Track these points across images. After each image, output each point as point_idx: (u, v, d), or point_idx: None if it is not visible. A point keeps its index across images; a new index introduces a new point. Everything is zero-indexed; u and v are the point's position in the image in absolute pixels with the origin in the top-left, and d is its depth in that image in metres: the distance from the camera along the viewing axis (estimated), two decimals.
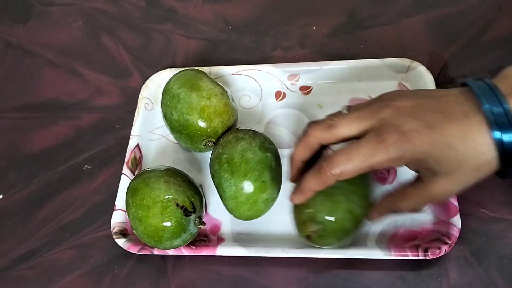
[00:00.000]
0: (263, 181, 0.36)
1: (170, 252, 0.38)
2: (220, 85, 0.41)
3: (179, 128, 0.40)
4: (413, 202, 0.30)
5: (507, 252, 0.36)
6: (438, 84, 0.43)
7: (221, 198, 0.37)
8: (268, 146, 0.37)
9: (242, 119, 0.45)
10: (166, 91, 0.41)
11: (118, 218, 0.41)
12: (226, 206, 0.37)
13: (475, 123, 0.25)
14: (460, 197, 0.38)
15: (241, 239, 0.39)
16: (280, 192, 0.41)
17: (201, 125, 0.39)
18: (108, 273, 0.40)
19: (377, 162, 0.27)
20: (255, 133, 0.38)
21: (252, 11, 0.55)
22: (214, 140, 0.40)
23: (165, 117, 0.41)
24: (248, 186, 0.35)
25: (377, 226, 0.38)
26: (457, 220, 0.35)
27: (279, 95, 0.47)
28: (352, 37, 0.50)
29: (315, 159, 0.32)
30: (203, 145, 0.40)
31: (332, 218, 0.32)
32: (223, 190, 0.36)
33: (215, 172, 0.37)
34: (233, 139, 0.38)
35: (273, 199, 0.37)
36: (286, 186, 0.42)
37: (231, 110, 0.40)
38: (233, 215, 0.37)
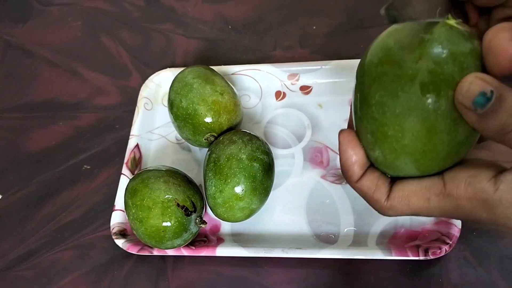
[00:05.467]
0: (242, 190, 0.35)
1: (170, 252, 0.38)
2: (232, 87, 0.42)
3: (186, 117, 0.40)
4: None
5: (508, 252, 0.36)
6: None
7: (205, 194, 0.38)
8: (258, 155, 0.37)
9: (242, 119, 0.45)
10: (178, 79, 0.41)
11: (117, 218, 0.40)
12: (207, 203, 0.38)
13: None
14: None
15: (240, 239, 0.39)
16: (280, 192, 0.41)
17: (208, 118, 0.39)
18: (107, 274, 0.40)
19: None
20: (251, 138, 0.38)
21: (252, 11, 0.55)
22: (216, 135, 0.40)
23: (172, 103, 0.41)
24: (226, 191, 0.36)
25: (377, 226, 0.38)
26: (457, 220, 0.35)
27: (279, 95, 0.47)
28: (352, 37, 0.50)
29: None
30: (205, 139, 0.40)
31: None
32: (205, 188, 0.37)
33: (204, 168, 0.38)
34: (226, 140, 0.38)
35: (252, 209, 0.37)
36: (280, 194, 0.41)
37: (239, 111, 0.41)
38: (213, 213, 0.38)
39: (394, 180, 0.24)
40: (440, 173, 0.23)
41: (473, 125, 0.20)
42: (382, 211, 0.24)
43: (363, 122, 0.23)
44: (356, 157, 0.24)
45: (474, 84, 0.19)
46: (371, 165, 0.25)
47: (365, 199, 0.25)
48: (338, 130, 0.25)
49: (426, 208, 0.23)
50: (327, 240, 0.38)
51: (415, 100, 0.20)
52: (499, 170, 0.21)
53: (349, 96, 0.45)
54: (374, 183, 0.24)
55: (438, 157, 0.22)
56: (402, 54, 0.21)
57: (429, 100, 0.20)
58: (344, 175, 0.25)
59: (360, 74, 0.23)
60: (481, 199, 0.21)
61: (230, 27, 0.55)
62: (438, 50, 0.20)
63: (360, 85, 0.23)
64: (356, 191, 0.25)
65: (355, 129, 0.25)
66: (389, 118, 0.21)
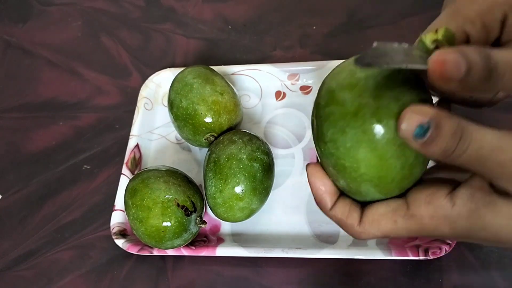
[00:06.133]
0: (242, 190, 0.35)
1: (170, 252, 0.38)
2: (232, 87, 0.42)
3: (186, 117, 0.40)
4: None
5: (508, 252, 0.36)
6: None
7: (205, 194, 0.38)
8: (258, 155, 0.37)
9: (242, 119, 0.45)
10: (178, 79, 0.41)
11: (117, 218, 0.40)
12: (207, 203, 0.38)
13: None
14: None
15: (241, 239, 0.39)
16: (280, 192, 0.41)
17: (208, 118, 0.39)
18: (107, 274, 0.40)
19: None
20: (251, 138, 0.38)
21: (252, 11, 0.55)
22: (216, 135, 0.40)
23: (172, 104, 0.41)
24: (225, 191, 0.36)
25: None
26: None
27: (279, 95, 0.47)
28: (352, 37, 0.50)
29: None
30: (205, 139, 0.40)
31: None
32: (205, 188, 0.37)
33: (204, 168, 0.38)
34: (226, 140, 0.38)
35: (252, 209, 0.37)
36: (280, 194, 0.41)
37: (239, 111, 0.41)
38: (213, 213, 0.38)
39: (364, 205, 0.26)
40: (404, 193, 0.25)
41: (418, 151, 0.21)
42: (356, 236, 0.25)
43: (323, 158, 0.25)
44: (325, 188, 0.26)
45: (411, 119, 0.20)
46: (342, 193, 0.26)
47: (339, 226, 0.26)
48: None
49: (394, 230, 0.24)
50: (327, 240, 0.38)
51: (361, 133, 0.22)
52: (454, 186, 0.23)
53: None
54: (346, 209, 0.25)
55: (395, 180, 0.23)
56: (343, 94, 0.23)
57: (374, 131, 0.22)
58: (318, 205, 0.26)
59: (316, 114, 0.25)
60: (442, 215, 0.23)
61: (230, 27, 0.55)
62: (373, 85, 0.22)
63: (316, 125, 0.25)
64: (331, 218, 0.26)
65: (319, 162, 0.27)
66: (343, 152, 0.23)
